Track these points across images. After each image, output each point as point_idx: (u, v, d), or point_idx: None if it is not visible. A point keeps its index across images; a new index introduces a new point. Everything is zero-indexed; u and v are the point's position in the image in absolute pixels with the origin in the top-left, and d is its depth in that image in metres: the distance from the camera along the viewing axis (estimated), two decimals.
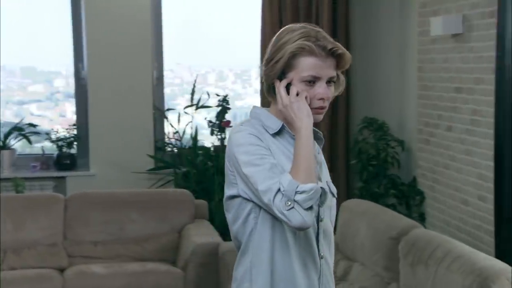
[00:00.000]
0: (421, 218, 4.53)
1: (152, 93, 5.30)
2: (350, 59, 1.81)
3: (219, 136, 5.27)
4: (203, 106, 5.35)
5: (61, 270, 4.15)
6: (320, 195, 1.72)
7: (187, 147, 5.31)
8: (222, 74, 6.05)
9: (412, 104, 4.69)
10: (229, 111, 5.32)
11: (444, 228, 4.24)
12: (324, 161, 1.94)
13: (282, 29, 1.85)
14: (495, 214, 3.64)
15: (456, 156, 4.07)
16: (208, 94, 5.35)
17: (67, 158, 5.24)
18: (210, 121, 5.32)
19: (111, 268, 4.08)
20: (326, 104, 1.81)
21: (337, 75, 1.83)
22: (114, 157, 5.18)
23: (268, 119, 1.84)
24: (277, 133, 1.83)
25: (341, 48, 1.80)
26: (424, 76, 4.51)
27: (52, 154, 5.28)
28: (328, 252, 1.87)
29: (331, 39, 1.81)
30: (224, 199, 1.86)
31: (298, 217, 1.68)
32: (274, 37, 1.84)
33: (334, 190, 1.91)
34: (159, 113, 5.36)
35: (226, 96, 5.29)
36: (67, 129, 5.30)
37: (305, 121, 1.75)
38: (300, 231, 1.75)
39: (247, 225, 1.80)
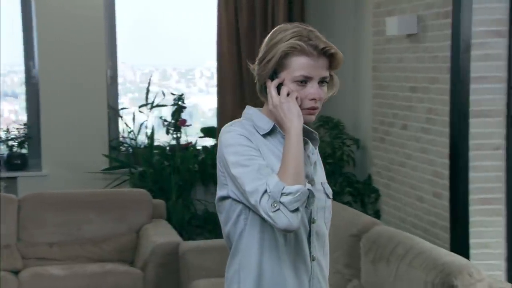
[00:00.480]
0: (376, 216, 4.61)
1: (106, 92, 5.24)
2: (342, 59, 1.80)
3: (174, 135, 5.25)
4: (158, 105, 5.32)
5: (15, 273, 4.06)
6: (308, 197, 1.70)
7: (142, 146, 5.28)
8: (166, 73, 6.03)
9: (367, 103, 4.77)
10: (184, 110, 5.31)
11: (399, 225, 4.32)
12: (320, 162, 1.93)
13: (275, 29, 1.83)
14: (451, 211, 3.73)
15: (411, 154, 4.16)
16: (163, 93, 5.33)
17: (18, 158, 5.14)
18: (165, 120, 5.30)
19: (69, 269, 4.02)
20: (319, 104, 1.79)
21: (331, 75, 1.82)
22: (67, 157, 5.11)
23: (260, 119, 1.82)
24: (269, 134, 1.81)
25: (334, 48, 1.78)
26: (379, 75, 4.58)
27: (2, 154, 5.17)
28: (321, 254, 1.85)
29: (324, 39, 1.79)
30: (216, 200, 1.85)
31: (284, 219, 1.66)
32: (267, 37, 1.83)
33: (329, 191, 1.90)
34: (113, 112, 5.30)
35: (181, 95, 5.28)
36: (17, 128, 5.20)
37: (295, 121, 1.73)
38: (286, 233, 1.74)
39: (238, 226, 1.80)
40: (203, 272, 3.81)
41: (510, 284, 2.82)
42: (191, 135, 5.42)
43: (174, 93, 5.34)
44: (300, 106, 1.77)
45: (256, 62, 1.83)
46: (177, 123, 5.24)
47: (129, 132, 5.27)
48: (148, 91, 5.31)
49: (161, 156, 5.16)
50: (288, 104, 1.75)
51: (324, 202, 1.86)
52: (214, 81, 5.42)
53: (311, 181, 1.82)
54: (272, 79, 1.79)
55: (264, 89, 1.83)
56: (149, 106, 5.27)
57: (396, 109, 4.33)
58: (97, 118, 5.18)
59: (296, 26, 1.80)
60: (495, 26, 3.62)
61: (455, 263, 2.70)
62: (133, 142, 5.27)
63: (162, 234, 4.18)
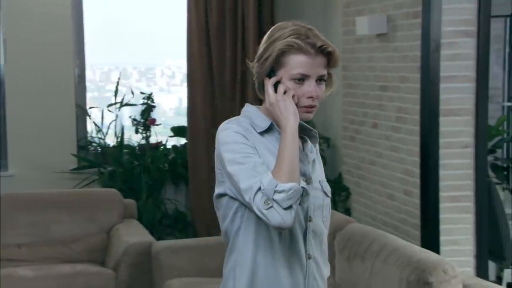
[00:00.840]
0: (347, 213, 4.65)
1: (74, 91, 5.19)
2: (339, 57, 1.81)
3: (144, 135, 5.22)
4: (127, 104, 5.28)
5: None
6: (302, 195, 1.70)
7: (111, 145, 5.24)
8: (126, 72, 6.00)
9: (337, 102, 4.80)
10: (154, 109, 5.28)
11: (370, 222, 4.36)
12: (320, 160, 1.93)
13: (273, 27, 1.84)
14: (421, 209, 3.78)
15: (382, 153, 4.20)
16: (132, 92, 5.30)
17: None
18: (134, 119, 5.27)
19: (39, 270, 3.96)
20: (316, 103, 1.80)
21: (329, 74, 1.82)
22: (34, 157, 5.04)
23: (258, 117, 1.83)
24: (266, 131, 1.82)
25: (331, 46, 1.78)
26: (349, 74, 4.62)
27: None
28: (318, 252, 1.85)
29: (322, 37, 1.79)
30: (213, 197, 1.85)
31: (277, 216, 1.67)
32: (266, 34, 1.83)
33: (328, 189, 1.90)
34: (81, 111, 5.25)
35: (151, 94, 5.25)
36: None
37: (290, 120, 1.74)
38: (280, 230, 1.74)
39: (234, 224, 1.80)
40: (176, 272, 3.79)
41: (482, 280, 2.88)
42: (158, 134, 5.38)
43: (143, 92, 5.31)
44: (297, 104, 1.77)
45: (255, 60, 1.82)
46: (146, 122, 5.21)
47: (98, 132, 5.22)
48: (117, 90, 5.28)
49: (131, 156, 5.13)
50: (285, 102, 1.76)
51: (322, 201, 1.86)
52: (176, 80, 5.42)
53: (308, 179, 1.83)
54: (270, 77, 1.79)
55: (262, 87, 1.83)
56: (118, 105, 5.23)
57: (367, 108, 4.38)
58: (65, 117, 5.12)
59: (295, 24, 1.80)
60: (464, 26, 3.67)
61: (429, 260, 2.74)
62: (101, 141, 5.22)
63: (134, 234, 4.15)
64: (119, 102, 5.23)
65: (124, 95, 5.26)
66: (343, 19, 4.69)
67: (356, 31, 4.31)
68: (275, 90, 1.78)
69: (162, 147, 5.22)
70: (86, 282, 3.94)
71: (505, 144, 5.03)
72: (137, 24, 5.56)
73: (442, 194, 3.70)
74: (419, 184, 3.78)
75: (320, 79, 1.79)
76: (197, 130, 5.06)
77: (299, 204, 1.72)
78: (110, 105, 5.28)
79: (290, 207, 1.68)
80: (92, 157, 5.21)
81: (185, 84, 5.43)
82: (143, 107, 5.24)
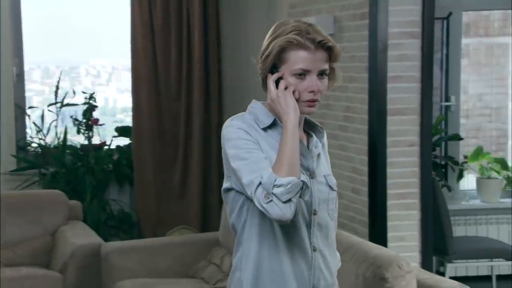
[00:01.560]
0: None
1: (13, 91, 5.06)
2: (339, 52, 1.86)
3: (86, 135, 5.14)
4: (68, 104, 5.19)
5: None
6: (302, 188, 1.75)
7: (52, 146, 5.13)
8: (48, 71, 5.89)
9: None
10: (96, 109, 5.21)
11: None
12: (326, 155, 1.98)
13: (276, 24, 1.89)
14: (369, 206, 3.86)
15: (330, 152, 4.23)
16: (74, 92, 5.21)
17: None
18: (76, 119, 5.18)
19: None
20: (318, 97, 1.84)
21: (332, 68, 1.87)
22: None
23: (262, 113, 1.87)
24: (269, 127, 1.86)
25: (331, 41, 1.83)
26: None
27: None
28: (324, 245, 1.90)
29: (323, 33, 1.84)
30: (221, 191, 1.91)
31: (277, 209, 1.72)
32: (269, 31, 1.88)
33: (333, 183, 1.94)
34: (20, 111, 5.13)
35: (93, 93, 5.18)
36: None
37: (291, 115, 1.79)
38: (281, 223, 1.79)
39: (241, 217, 1.86)
40: (127, 273, 3.76)
41: (435, 275, 2.96)
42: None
43: (85, 91, 5.23)
44: (299, 98, 1.83)
45: (259, 57, 1.87)
46: (89, 122, 5.14)
47: (38, 132, 5.11)
48: (57, 89, 5.17)
49: (74, 156, 5.04)
50: (285, 98, 1.81)
51: (327, 194, 1.91)
52: (101, 79, 5.36)
53: (312, 173, 1.88)
54: (272, 73, 1.84)
55: (265, 83, 1.87)
56: (58, 105, 5.14)
57: None
58: (3, 117, 4.99)
59: (296, 21, 1.86)
60: (409, 28, 3.77)
61: (385, 256, 2.80)
62: (42, 142, 5.11)
63: (81, 236, 4.08)
64: (59, 102, 5.13)
65: (66, 94, 5.17)
66: (288, 19, 4.72)
67: None
68: (277, 86, 1.83)
69: (105, 147, 5.15)
70: (33, 285, 3.85)
71: (443, 143, 5.18)
72: (78, 21, 5.46)
73: (389, 191, 3.78)
74: (367, 182, 3.85)
75: (321, 74, 1.84)
76: (142, 129, 5.02)
77: (300, 197, 1.77)
78: (50, 104, 5.18)
79: (289, 200, 1.73)
80: (32, 158, 5.10)
81: (111, 84, 5.39)
82: (84, 107, 5.17)
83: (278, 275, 1.84)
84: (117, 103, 6.09)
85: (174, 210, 5.00)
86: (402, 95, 3.77)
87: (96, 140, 5.17)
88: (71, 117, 5.24)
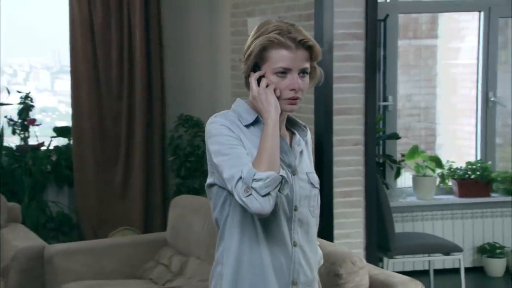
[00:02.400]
0: None
1: None
2: (320, 51, 1.91)
3: (22, 135, 5.01)
4: (2, 104, 5.05)
5: None
6: (282, 183, 1.79)
7: None
8: None
9: (226, 102, 4.85)
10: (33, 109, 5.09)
11: None
12: (309, 153, 2.01)
13: (259, 24, 1.92)
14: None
15: None
16: (8, 91, 5.07)
17: None
18: (11, 120, 5.05)
19: None
20: (299, 95, 1.89)
21: (314, 67, 1.92)
22: None
23: (245, 111, 1.91)
24: (252, 124, 1.90)
25: (311, 41, 1.88)
26: (239, 74, 4.65)
27: None
28: (304, 240, 1.93)
29: (304, 32, 1.88)
30: (205, 186, 1.94)
31: (256, 203, 1.77)
32: (252, 31, 1.90)
33: (315, 180, 1.98)
34: None
35: (28, 93, 5.05)
36: None
37: (272, 112, 1.84)
38: (260, 217, 1.82)
39: (224, 212, 1.90)
40: (72, 276, 3.69)
41: (385, 270, 3.04)
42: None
43: (20, 91, 5.10)
44: (280, 96, 1.87)
45: (242, 56, 1.91)
46: (25, 122, 5.01)
47: None
48: None
49: (10, 157, 4.90)
50: (266, 95, 1.85)
51: (308, 191, 1.95)
52: (18, 79, 5.25)
53: (293, 170, 1.92)
54: (255, 72, 1.88)
55: (248, 81, 1.91)
56: None
57: None
58: None
59: (278, 21, 1.90)
60: (353, 29, 3.85)
61: (338, 253, 2.85)
62: None
63: (23, 238, 3.97)
64: None
65: None
66: (232, 20, 4.75)
67: (247, 31, 4.38)
68: (259, 85, 1.87)
69: (43, 148, 5.03)
70: None
71: (381, 142, 5.30)
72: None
73: (335, 189, 3.86)
74: None
75: (302, 72, 1.88)
76: (82, 129, 4.93)
77: (280, 191, 1.81)
78: None
79: (268, 194, 1.77)
80: None
81: (28, 83, 5.28)
82: (19, 107, 5.05)
83: (258, 268, 1.88)
84: (35, 103, 5.93)
85: (116, 211, 4.94)
86: (347, 95, 3.86)
87: (32, 141, 5.05)
88: (5, 117, 5.09)
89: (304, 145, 2.01)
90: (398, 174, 5.22)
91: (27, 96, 5.04)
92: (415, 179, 5.30)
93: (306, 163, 1.99)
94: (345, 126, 3.86)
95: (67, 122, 5.25)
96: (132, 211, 4.94)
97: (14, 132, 5.06)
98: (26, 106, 5.04)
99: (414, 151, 5.28)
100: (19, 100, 5.06)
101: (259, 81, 1.88)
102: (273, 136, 1.82)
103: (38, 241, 3.94)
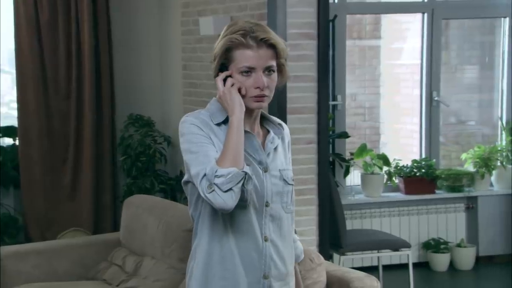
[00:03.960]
0: None
1: None
2: (285, 49, 1.96)
3: None
4: None
5: None
6: (245, 179, 1.84)
7: None
8: None
9: (177, 100, 4.83)
10: None
11: None
12: (286, 150, 2.05)
13: (228, 24, 1.97)
14: None
15: None
16: None
17: None
18: None
19: None
20: (266, 92, 1.93)
21: (283, 64, 1.96)
22: None
23: (218, 110, 1.96)
24: (224, 123, 1.94)
25: (273, 39, 1.93)
26: (190, 74, 4.67)
27: None
28: (277, 236, 1.98)
29: (267, 31, 1.92)
30: (182, 183, 2.00)
31: (219, 199, 1.82)
32: (221, 33, 1.96)
33: (289, 177, 2.02)
34: None
35: None
36: None
37: (236, 110, 1.89)
38: (224, 212, 1.87)
39: (197, 209, 1.96)
40: (23, 277, 3.62)
41: (342, 267, 3.09)
42: None
43: None
44: (246, 94, 1.92)
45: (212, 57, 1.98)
46: None
47: None
48: None
49: None
50: (230, 95, 1.90)
51: (281, 188, 1.99)
52: None
53: (265, 167, 1.96)
54: (223, 72, 1.94)
55: None
56: None
57: None
58: None
59: (244, 22, 1.94)
60: (306, 29, 3.90)
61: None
62: None
63: None
64: None
65: None
66: (182, 19, 4.73)
67: (199, 31, 4.37)
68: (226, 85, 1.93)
69: None
70: None
71: (331, 140, 5.38)
72: None
73: None
74: None
75: (268, 70, 1.93)
76: (29, 129, 4.82)
77: (243, 187, 1.85)
78: None
79: (230, 190, 1.82)
80: None
81: None
82: None
83: (228, 263, 1.93)
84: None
85: (64, 212, 4.85)
86: (300, 94, 3.90)
87: None
88: None
89: (281, 143, 2.05)
90: (347, 172, 5.31)
91: None
92: (363, 177, 5.40)
93: (281, 160, 2.03)
94: (298, 125, 3.89)
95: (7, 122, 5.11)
96: (81, 212, 4.86)
97: None
98: None
99: (363, 150, 5.37)
100: None
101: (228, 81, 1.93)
102: (237, 133, 1.87)
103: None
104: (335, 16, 5.27)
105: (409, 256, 4.46)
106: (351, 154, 5.33)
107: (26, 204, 4.85)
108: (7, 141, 5.09)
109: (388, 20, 6.01)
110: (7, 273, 3.62)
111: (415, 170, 5.46)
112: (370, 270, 4.90)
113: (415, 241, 5.41)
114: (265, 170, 1.97)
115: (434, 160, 5.56)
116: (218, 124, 1.94)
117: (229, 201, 1.83)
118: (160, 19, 5.04)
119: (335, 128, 5.34)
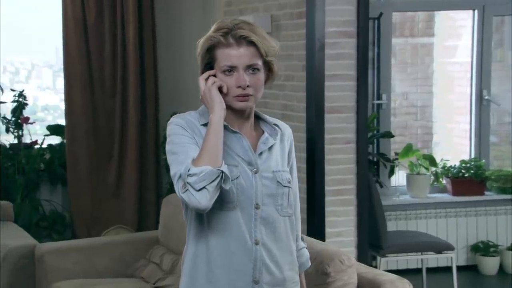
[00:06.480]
0: None
1: None
2: (269, 46, 1.89)
3: (15, 134, 5.01)
4: None
5: None
6: (222, 178, 1.79)
7: None
8: None
9: None
10: (27, 107, 5.08)
11: None
12: (284, 151, 1.98)
13: (214, 24, 1.94)
14: (307, 202, 3.91)
15: None
16: (2, 89, 5.06)
17: None
18: (4, 118, 5.04)
19: None
20: (249, 91, 1.88)
21: (267, 62, 1.90)
22: None
23: (206, 111, 1.92)
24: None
25: (254, 36, 1.86)
26: None
27: None
28: (270, 239, 1.91)
29: (250, 29, 1.87)
30: None
31: (192, 198, 1.78)
32: None
33: (284, 179, 1.95)
34: None
35: (22, 91, 5.05)
36: None
37: (215, 109, 1.85)
38: (200, 212, 1.83)
39: (187, 213, 1.94)
40: (63, 274, 3.68)
41: (374, 269, 3.04)
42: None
43: (14, 89, 5.09)
44: (229, 94, 1.88)
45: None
46: (18, 120, 5.01)
47: None
48: None
49: (3, 156, 4.89)
50: (210, 94, 1.87)
51: (274, 190, 1.92)
52: (20, 77, 5.23)
53: (255, 168, 1.91)
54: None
55: None
56: None
57: None
58: None
59: (231, 20, 1.90)
60: (345, 27, 3.85)
61: (327, 251, 2.84)
62: None
63: (14, 237, 3.97)
64: None
65: None
66: (224, 18, 4.73)
67: None
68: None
69: (37, 146, 5.03)
70: None
71: (375, 140, 5.30)
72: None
73: (327, 188, 3.86)
74: (305, 179, 3.90)
75: (252, 69, 1.88)
76: (76, 128, 4.92)
77: (222, 186, 1.81)
78: None
79: (203, 188, 1.78)
80: None
81: (30, 81, 5.27)
82: (13, 105, 5.04)
83: (214, 266, 1.89)
84: (37, 101, 5.93)
85: (109, 210, 4.93)
86: (339, 93, 3.85)
87: (26, 139, 5.04)
88: None
89: (279, 144, 1.98)
90: (392, 172, 5.22)
91: (20, 95, 5.03)
92: (409, 177, 5.30)
93: (276, 162, 1.96)
94: (336, 124, 3.85)
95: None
96: (126, 209, 4.93)
97: (7, 131, 5.05)
98: (19, 105, 5.03)
99: (408, 150, 5.28)
100: (12, 99, 5.05)
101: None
102: (215, 132, 1.83)
103: (29, 240, 3.93)
104: (381, 14, 5.19)
105: (453, 259, 4.35)
106: (396, 154, 5.24)
107: (73, 201, 4.96)
108: (58, 139, 5.21)
109: (442, 17, 5.89)
110: (48, 269, 3.70)
111: (463, 171, 5.33)
112: (414, 272, 4.84)
113: (463, 244, 5.28)
114: (255, 171, 1.91)
115: (483, 160, 5.41)
116: (205, 125, 1.89)
117: (202, 200, 1.78)
118: (204, 19, 5.06)
119: (380, 128, 5.26)
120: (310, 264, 2.11)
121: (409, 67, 5.96)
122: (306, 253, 2.08)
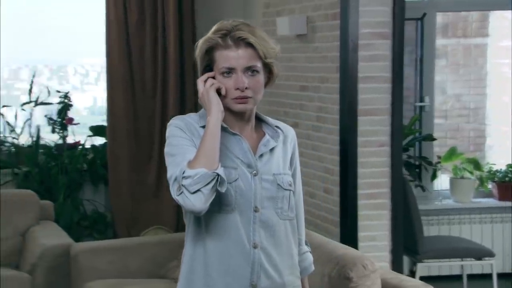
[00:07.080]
0: None
1: None
2: (268, 48, 1.87)
3: (61, 134, 5.12)
4: (42, 103, 5.18)
5: None
6: (217, 180, 1.78)
7: (25, 145, 5.10)
8: (36, 69, 5.86)
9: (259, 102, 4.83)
10: (71, 108, 5.19)
11: None
12: (286, 154, 1.97)
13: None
14: (340, 206, 3.87)
15: (303, 152, 4.26)
16: (49, 91, 5.18)
17: None
18: (50, 119, 5.16)
19: None
20: (248, 93, 1.87)
21: (267, 64, 1.89)
22: None
23: (206, 113, 1.90)
24: None
25: (252, 38, 1.85)
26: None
27: None
28: (270, 243, 1.89)
29: (252, 31, 1.86)
30: None
31: (187, 201, 1.77)
32: None
33: (284, 182, 1.93)
34: None
35: (67, 92, 5.16)
36: None
37: (212, 111, 1.84)
38: (195, 214, 1.83)
39: (186, 216, 1.93)
40: (96, 274, 3.74)
41: (399, 274, 2.98)
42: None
43: (59, 90, 5.21)
44: (228, 96, 1.86)
45: None
46: (63, 121, 5.12)
47: (11, 131, 5.09)
48: (31, 87, 5.16)
49: (48, 156, 5.01)
50: (208, 96, 1.86)
51: (274, 193, 1.91)
52: (90, 78, 5.32)
53: (254, 171, 1.90)
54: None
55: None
56: (32, 104, 5.13)
57: (287, 108, 4.44)
58: None
59: (231, 22, 1.89)
60: (379, 28, 3.78)
61: (350, 256, 2.81)
62: (15, 141, 5.09)
63: (51, 236, 4.05)
64: (33, 101, 5.11)
65: (39, 93, 5.15)
66: (263, 19, 4.73)
67: (276, 31, 4.36)
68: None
69: (80, 146, 5.13)
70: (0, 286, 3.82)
71: (417, 143, 5.21)
72: (51, 20, 5.43)
73: (360, 191, 3.80)
74: (338, 182, 3.86)
75: (251, 71, 1.87)
76: (117, 129, 5.00)
77: (218, 189, 1.80)
78: (24, 104, 5.15)
79: (198, 191, 1.76)
80: (5, 157, 5.06)
81: (100, 83, 5.35)
82: (59, 106, 5.15)
83: (211, 269, 1.87)
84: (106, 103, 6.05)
85: (149, 210, 4.99)
86: (373, 95, 3.79)
87: (71, 140, 5.16)
88: (45, 116, 5.22)
89: (281, 146, 1.96)
90: (434, 176, 5.11)
91: (66, 96, 5.14)
92: (452, 181, 5.18)
93: (277, 164, 1.94)
94: (370, 127, 3.79)
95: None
96: (165, 210, 4.97)
97: (53, 131, 5.17)
98: (65, 106, 5.15)
99: (452, 153, 5.16)
100: (58, 100, 5.17)
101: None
102: (212, 134, 1.82)
103: (65, 239, 4.01)
104: (424, 14, 5.10)
105: (493, 265, 4.23)
106: (439, 157, 5.13)
107: (113, 201, 5.03)
108: (101, 140, 5.31)
109: (496, 17, 5.74)
110: (82, 269, 3.76)
111: (510, 175, 5.18)
112: (454, 279, 4.73)
113: (509, 250, 5.13)
114: (255, 173, 1.90)
115: None
116: (204, 127, 1.88)
117: (197, 203, 1.76)
118: (244, 20, 5.05)
119: (422, 130, 5.16)
120: (313, 268, 2.08)
121: (461, 68, 5.83)
122: (309, 257, 2.06)
